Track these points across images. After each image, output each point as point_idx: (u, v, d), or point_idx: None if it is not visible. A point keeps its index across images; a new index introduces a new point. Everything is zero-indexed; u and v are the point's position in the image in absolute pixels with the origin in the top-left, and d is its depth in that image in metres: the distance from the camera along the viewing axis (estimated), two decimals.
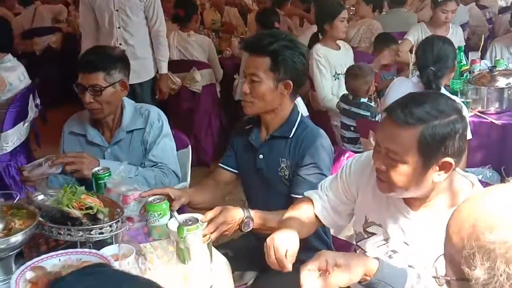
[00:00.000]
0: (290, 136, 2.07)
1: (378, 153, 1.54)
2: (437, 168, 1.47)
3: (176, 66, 4.69)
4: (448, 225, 0.98)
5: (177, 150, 2.55)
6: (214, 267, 1.69)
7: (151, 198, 1.92)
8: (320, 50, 3.93)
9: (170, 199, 1.96)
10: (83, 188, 1.84)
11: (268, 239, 1.63)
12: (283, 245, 1.60)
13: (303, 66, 2.05)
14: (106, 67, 2.30)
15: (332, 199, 1.84)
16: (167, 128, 2.46)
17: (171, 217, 1.88)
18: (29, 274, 1.52)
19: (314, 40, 4.12)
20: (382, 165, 1.52)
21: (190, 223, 1.77)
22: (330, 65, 3.91)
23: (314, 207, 1.85)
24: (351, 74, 3.62)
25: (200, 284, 1.61)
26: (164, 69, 4.06)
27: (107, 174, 2.07)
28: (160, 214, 1.89)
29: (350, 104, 3.58)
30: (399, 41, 4.58)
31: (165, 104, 4.08)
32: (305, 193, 1.90)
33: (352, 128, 3.56)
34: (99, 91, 2.28)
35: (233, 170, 2.26)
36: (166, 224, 1.86)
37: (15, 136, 3.52)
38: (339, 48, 4.04)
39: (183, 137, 2.69)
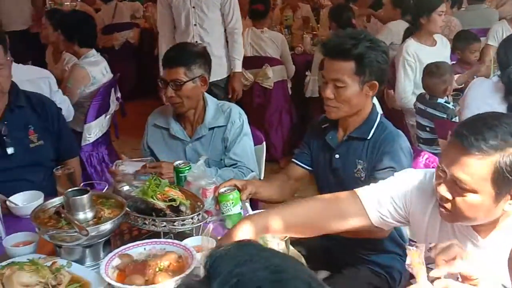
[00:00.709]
0: (368, 138, 2.05)
1: (443, 179, 1.39)
2: (510, 196, 1.35)
3: (249, 62, 4.74)
4: None
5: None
6: None
7: (222, 189, 1.99)
8: (411, 47, 3.82)
9: (239, 190, 2.03)
10: (166, 181, 1.92)
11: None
12: None
13: (386, 65, 2.03)
14: (186, 62, 2.40)
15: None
16: (247, 127, 2.53)
17: (242, 208, 1.96)
18: (116, 261, 1.61)
19: (407, 34, 4.02)
20: (448, 193, 1.39)
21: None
22: (421, 63, 3.76)
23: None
24: (427, 72, 3.53)
25: None
26: (238, 68, 4.08)
27: (187, 168, 2.14)
28: (233, 203, 1.96)
29: (426, 104, 3.49)
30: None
31: (238, 100, 4.14)
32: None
33: (428, 129, 3.47)
34: (180, 85, 2.38)
35: (307, 167, 2.28)
36: (240, 213, 1.92)
37: (97, 127, 3.70)
38: (435, 43, 3.90)
39: (258, 134, 2.74)
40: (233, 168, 2.43)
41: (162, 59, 2.49)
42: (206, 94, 2.56)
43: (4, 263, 1.58)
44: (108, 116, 3.80)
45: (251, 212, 1.85)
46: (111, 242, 1.81)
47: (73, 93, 3.57)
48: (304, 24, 6.12)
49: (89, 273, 1.62)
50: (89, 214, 1.72)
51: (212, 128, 2.50)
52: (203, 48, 2.65)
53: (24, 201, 2.16)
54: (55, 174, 2.19)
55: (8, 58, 2.34)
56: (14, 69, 2.44)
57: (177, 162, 2.18)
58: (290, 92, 5.05)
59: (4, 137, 2.34)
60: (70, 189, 1.76)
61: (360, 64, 1.96)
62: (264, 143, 2.75)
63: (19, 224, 2.03)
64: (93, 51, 3.77)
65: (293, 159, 2.32)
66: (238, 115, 2.52)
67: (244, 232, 1.56)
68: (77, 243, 1.65)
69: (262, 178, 2.66)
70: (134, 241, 1.75)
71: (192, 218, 1.79)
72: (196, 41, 3.89)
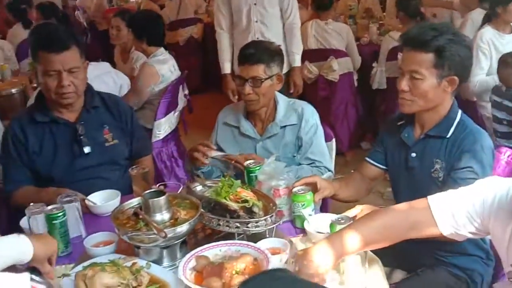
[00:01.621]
0: (448, 136, 1.97)
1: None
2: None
3: (313, 55, 4.69)
4: None
5: None
6: (367, 269, 1.67)
7: (296, 189, 1.97)
8: (486, 35, 3.67)
9: (315, 189, 2.02)
10: (238, 182, 1.92)
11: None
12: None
13: (469, 61, 1.94)
14: (266, 60, 2.40)
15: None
16: (320, 125, 2.52)
17: (313, 210, 1.96)
18: (193, 263, 1.63)
19: (485, 20, 3.86)
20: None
21: (342, 221, 1.78)
22: (498, 52, 3.61)
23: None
24: (502, 62, 3.35)
25: (354, 285, 1.60)
26: (297, 62, 4.00)
27: (258, 167, 2.14)
28: (304, 204, 1.95)
29: (502, 96, 3.31)
30: None
31: (302, 94, 4.09)
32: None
33: (505, 122, 3.30)
34: (259, 83, 2.37)
35: (381, 166, 2.23)
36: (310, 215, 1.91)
37: (166, 124, 3.77)
38: None
39: (328, 130, 2.70)
40: (312, 166, 2.42)
41: (239, 55, 2.47)
42: (277, 92, 2.55)
43: (86, 264, 1.63)
44: (176, 113, 3.86)
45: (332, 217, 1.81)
46: (187, 242, 1.83)
47: (144, 91, 3.65)
48: (368, 13, 5.97)
49: (167, 273, 1.65)
50: (166, 216, 1.74)
51: (284, 127, 2.49)
52: (278, 47, 2.64)
53: (102, 199, 2.23)
54: (130, 174, 2.24)
55: (84, 61, 2.41)
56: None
57: (247, 162, 2.18)
58: (356, 84, 4.95)
59: (81, 137, 2.42)
60: (147, 191, 1.80)
61: (439, 57, 1.89)
62: (334, 140, 2.71)
63: (98, 223, 2.10)
64: (162, 49, 3.84)
65: (366, 158, 2.27)
66: (311, 114, 2.51)
67: (322, 255, 1.52)
68: (155, 244, 1.68)
69: (333, 173, 2.62)
70: (207, 240, 1.77)
71: (265, 220, 1.78)
72: (257, 38, 3.84)
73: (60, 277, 1.63)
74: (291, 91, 3.99)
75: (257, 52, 2.41)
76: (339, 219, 1.78)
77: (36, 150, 2.39)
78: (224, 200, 1.82)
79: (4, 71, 4.80)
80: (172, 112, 3.79)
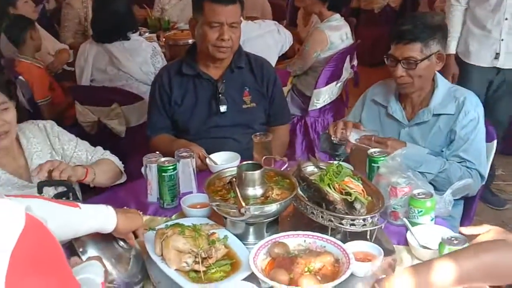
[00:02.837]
0: None
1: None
2: None
3: None
4: None
5: None
6: None
7: (415, 191, 1.72)
8: None
9: None
10: (349, 170, 1.72)
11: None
12: None
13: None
14: (424, 37, 2.10)
15: None
16: (482, 121, 2.16)
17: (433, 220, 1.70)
18: (271, 248, 1.51)
19: None
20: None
21: (455, 242, 1.48)
22: None
23: None
24: None
25: None
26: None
27: (382, 158, 1.90)
28: (421, 211, 1.69)
29: None
30: None
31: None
32: None
33: None
34: (414, 64, 2.10)
35: None
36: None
37: (326, 94, 3.62)
38: None
39: (490, 129, 2.28)
40: (462, 165, 2.11)
41: (393, 32, 2.18)
42: (439, 75, 2.22)
43: (170, 223, 1.62)
44: (339, 84, 3.68)
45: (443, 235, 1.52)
46: (278, 222, 1.72)
47: (309, 55, 3.55)
48: None
49: (244, 251, 1.56)
50: (259, 191, 1.65)
51: (438, 115, 2.18)
52: (441, 19, 2.28)
53: (223, 160, 2.21)
54: (253, 140, 2.18)
55: (241, 18, 2.39)
56: (243, 26, 2.48)
57: (371, 150, 1.95)
58: None
59: (220, 95, 2.42)
60: (245, 162, 1.72)
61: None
62: (496, 141, 2.28)
63: None
64: (337, 15, 3.66)
65: None
66: (474, 106, 2.16)
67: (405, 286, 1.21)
68: (241, 218, 1.60)
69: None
70: (304, 228, 1.62)
71: (364, 220, 1.56)
72: (506, 18, 3.10)
73: (146, 229, 1.66)
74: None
75: (414, 29, 2.10)
76: (452, 239, 1.49)
77: (178, 101, 2.47)
78: (326, 188, 1.65)
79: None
80: (335, 83, 3.61)
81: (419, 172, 1.99)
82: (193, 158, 2.05)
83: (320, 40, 3.56)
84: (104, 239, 1.48)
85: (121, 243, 1.51)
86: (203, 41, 2.37)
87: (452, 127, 2.15)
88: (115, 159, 2.21)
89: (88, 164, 2.06)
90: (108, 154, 2.20)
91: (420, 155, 2.10)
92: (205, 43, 2.36)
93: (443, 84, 2.21)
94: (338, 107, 3.84)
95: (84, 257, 1.42)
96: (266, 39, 3.24)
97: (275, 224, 1.70)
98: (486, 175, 2.18)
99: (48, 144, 2.05)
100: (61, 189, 1.80)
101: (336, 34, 3.59)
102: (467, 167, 2.11)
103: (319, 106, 3.63)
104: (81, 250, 1.44)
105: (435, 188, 1.88)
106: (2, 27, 3.76)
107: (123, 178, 2.22)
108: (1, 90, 1.83)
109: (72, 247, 1.45)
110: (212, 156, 2.22)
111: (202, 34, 2.35)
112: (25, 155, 2.00)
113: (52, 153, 2.06)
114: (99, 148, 2.22)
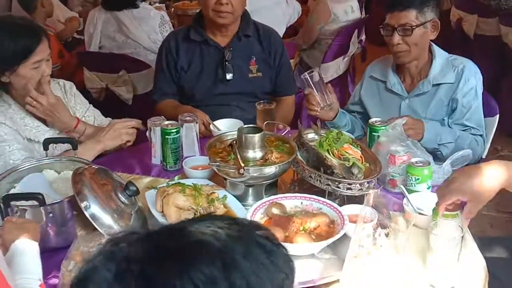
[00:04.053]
0: None
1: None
2: None
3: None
4: None
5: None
6: (460, 266, 1.41)
7: (413, 160, 1.74)
8: None
9: None
10: (348, 137, 1.75)
11: None
12: None
13: None
14: (418, 4, 2.11)
15: None
16: (481, 88, 2.19)
17: (429, 188, 1.72)
18: (268, 208, 1.55)
19: None
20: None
21: (450, 208, 1.50)
22: None
23: None
24: None
25: (440, 283, 1.36)
26: None
27: (383, 127, 1.92)
28: (418, 179, 1.71)
29: None
30: None
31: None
32: None
33: None
34: (410, 31, 2.11)
35: None
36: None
37: (333, 68, 3.62)
38: None
39: (492, 104, 2.29)
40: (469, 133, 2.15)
41: (387, 1, 2.20)
42: (435, 46, 2.23)
43: (171, 182, 1.67)
44: (346, 59, 3.68)
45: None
46: (278, 185, 1.75)
47: (314, 29, 3.54)
48: None
49: (243, 212, 1.60)
50: (258, 154, 1.68)
51: (437, 85, 2.19)
52: None
53: (226, 127, 2.24)
54: (256, 108, 2.21)
55: None
56: None
57: (372, 119, 1.97)
58: None
59: (227, 63, 2.44)
60: (246, 126, 1.75)
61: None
62: (498, 115, 2.29)
63: None
64: None
65: None
66: (474, 73, 2.17)
67: (492, 174, 1.32)
68: (240, 180, 1.64)
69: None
70: (302, 192, 1.66)
71: (361, 185, 1.60)
72: None
73: (149, 187, 1.70)
74: None
75: None
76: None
77: (184, 66, 2.49)
78: (324, 153, 1.68)
79: None
80: (342, 57, 3.61)
81: (440, 144, 2.06)
82: (196, 122, 2.08)
83: (323, 11, 3.57)
84: (106, 194, 1.53)
85: (123, 198, 1.55)
86: (204, 6, 2.40)
87: (453, 96, 2.16)
88: None
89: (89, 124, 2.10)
90: None
91: (436, 128, 2.12)
92: (206, 9, 2.38)
93: (440, 54, 2.21)
94: (344, 82, 3.84)
95: (87, 213, 1.47)
96: (274, 10, 3.25)
97: (274, 187, 1.74)
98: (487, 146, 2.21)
99: (65, 101, 2.10)
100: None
101: (341, 6, 3.59)
102: (473, 134, 2.14)
103: (326, 80, 3.61)
104: (83, 205, 1.48)
105: (443, 159, 1.92)
106: None
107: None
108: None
109: (74, 201, 1.49)
110: (216, 122, 2.25)
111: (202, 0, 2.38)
112: None
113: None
114: (110, 119, 2.24)
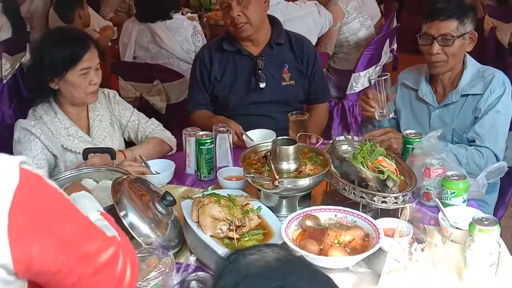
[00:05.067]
0: None
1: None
2: None
3: None
4: None
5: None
6: (497, 282, 1.39)
7: (449, 173, 1.73)
8: None
9: None
10: (382, 149, 1.74)
11: None
12: None
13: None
14: (460, 15, 2.10)
15: None
16: (507, 99, 2.14)
17: (465, 201, 1.71)
18: (302, 220, 1.55)
19: None
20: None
21: (486, 222, 1.49)
22: None
23: None
24: None
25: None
26: None
27: (417, 139, 1.91)
28: (454, 193, 1.70)
29: None
30: None
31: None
32: None
33: None
34: (451, 41, 2.09)
35: None
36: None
37: (365, 78, 3.61)
38: None
39: None
40: (470, 145, 2.10)
41: (427, 10, 2.18)
42: (469, 56, 2.22)
43: (206, 193, 1.69)
44: (378, 68, 3.66)
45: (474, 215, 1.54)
46: (311, 197, 1.76)
47: (332, 30, 3.61)
48: None
49: (277, 223, 1.62)
50: (292, 166, 1.70)
51: (466, 95, 2.17)
52: (473, 1, 2.27)
53: (259, 137, 2.26)
54: (288, 118, 2.22)
55: None
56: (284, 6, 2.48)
57: (407, 131, 1.97)
58: None
59: (259, 71, 2.46)
60: (280, 138, 1.76)
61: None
62: None
63: None
64: None
65: None
66: (501, 83, 2.14)
67: None
68: (274, 191, 1.66)
69: None
70: (336, 204, 1.66)
71: (396, 198, 1.59)
72: None
73: (184, 197, 1.73)
74: None
75: (450, 7, 2.10)
76: (483, 219, 1.51)
77: (218, 76, 2.52)
78: (359, 165, 1.68)
79: None
80: (374, 66, 3.60)
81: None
82: (230, 133, 2.10)
83: (336, 12, 3.62)
84: (144, 204, 1.56)
85: (160, 208, 1.58)
86: (226, 24, 2.46)
87: (477, 106, 2.14)
88: (164, 135, 2.25)
89: (131, 148, 2.14)
90: (158, 130, 2.26)
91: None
92: (227, 26, 2.44)
93: (472, 65, 2.19)
94: None
95: (125, 222, 1.50)
96: (306, 21, 3.27)
97: (307, 199, 1.75)
98: (501, 156, 2.12)
99: (109, 110, 2.17)
100: None
101: (351, 4, 3.67)
102: (477, 146, 2.09)
103: (357, 90, 3.62)
104: (122, 214, 1.51)
105: None
106: (52, 5, 3.89)
107: (173, 151, 2.29)
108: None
109: (113, 210, 1.53)
110: (249, 133, 2.27)
111: (222, 17, 2.43)
112: (89, 115, 2.12)
113: (112, 119, 2.18)
114: (153, 121, 2.29)
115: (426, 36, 2.13)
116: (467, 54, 2.19)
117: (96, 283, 0.95)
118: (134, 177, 1.67)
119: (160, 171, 1.99)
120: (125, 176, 1.66)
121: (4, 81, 3.81)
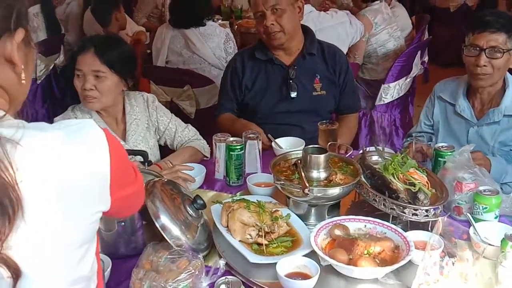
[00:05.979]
0: None
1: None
2: None
3: None
4: None
5: None
6: None
7: (481, 188, 1.71)
8: None
9: None
10: (413, 161, 1.73)
11: None
12: None
13: None
14: (509, 29, 2.07)
15: None
16: None
17: (497, 217, 1.69)
18: (332, 229, 1.55)
19: None
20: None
21: None
22: None
23: None
24: None
25: None
26: None
27: (449, 153, 1.90)
28: (486, 208, 1.68)
29: None
30: None
31: None
32: None
33: None
34: (500, 53, 2.05)
35: None
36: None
37: (395, 89, 3.59)
38: None
39: None
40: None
41: (475, 21, 2.13)
42: (509, 74, 2.18)
43: (236, 198, 1.70)
44: (408, 79, 3.64)
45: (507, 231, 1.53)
46: (340, 206, 1.76)
47: (361, 42, 3.61)
48: None
49: (306, 231, 1.62)
50: (323, 175, 1.70)
51: (509, 116, 2.13)
52: None
53: (288, 145, 2.27)
54: (318, 127, 2.23)
55: (296, 1, 2.43)
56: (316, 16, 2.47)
57: (438, 145, 1.95)
58: None
59: (291, 81, 2.47)
60: (311, 146, 1.77)
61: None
62: None
63: None
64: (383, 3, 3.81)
65: None
66: None
67: None
68: (304, 199, 1.66)
69: None
70: (365, 214, 1.66)
71: (427, 211, 1.58)
72: None
73: (213, 202, 1.75)
74: None
75: (500, 20, 2.06)
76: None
77: (249, 85, 2.54)
78: (389, 177, 1.68)
79: None
80: (404, 78, 3.58)
81: (503, 183, 2.03)
82: (259, 140, 2.12)
83: (365, 23, 3.65)
84: (175, 206, 1.58)
85: (190, 211, 1.60)
86: (259, 33, 2.49)
87: None
88: (200, 144, 2.26)
89: (166, 158, 2.16)
90: (194, 140, 2.27)
91: (502, 167, 2.07)
92: (260, 35, 2.47)
93: None
94: (405, 103, 3.80)
95: (157, 223, 1.52)
96: (338, 30, 3.29)
97: (337, 208, 1.74)
98: None
99: (146, 115, 2.20)
100: None
101: (379, 16, 3.72)
102: None
103: (387, 101, 3.61)
104: (155, 217, 1.53)
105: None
106: (90, 7, 3.97)
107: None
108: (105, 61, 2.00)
109: (146, 213, 1.55)
110: (278, 140, 2.28)
111: (255, 25, 2.46)
112: (125, 119, 2.15)
113: (149, 123, 2.21)
114: (190, 128, 2.30)
115: (473, 47, 2.09)
116: (507, 72, 2.16)
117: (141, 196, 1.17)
118: (166, 180, 1.69)
119: (191, 175, 2.01)
120: (157, 179, 1.68)
121: (38, 82, 3.90)
